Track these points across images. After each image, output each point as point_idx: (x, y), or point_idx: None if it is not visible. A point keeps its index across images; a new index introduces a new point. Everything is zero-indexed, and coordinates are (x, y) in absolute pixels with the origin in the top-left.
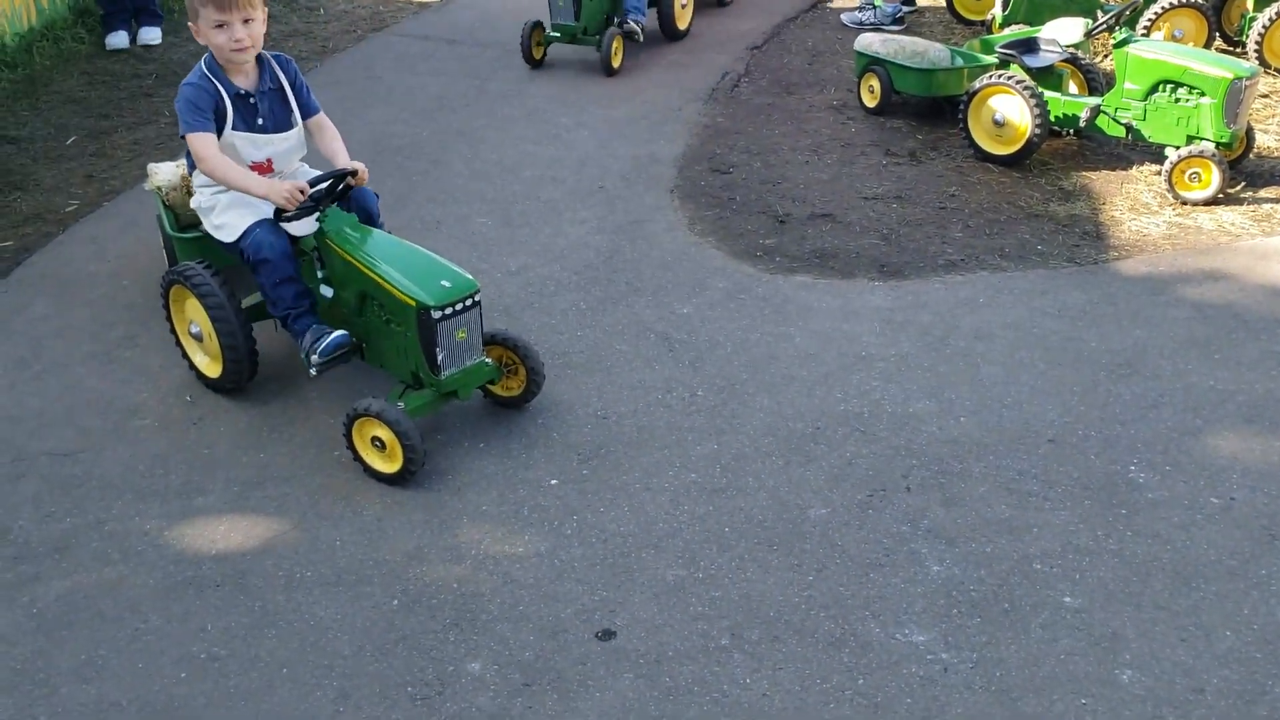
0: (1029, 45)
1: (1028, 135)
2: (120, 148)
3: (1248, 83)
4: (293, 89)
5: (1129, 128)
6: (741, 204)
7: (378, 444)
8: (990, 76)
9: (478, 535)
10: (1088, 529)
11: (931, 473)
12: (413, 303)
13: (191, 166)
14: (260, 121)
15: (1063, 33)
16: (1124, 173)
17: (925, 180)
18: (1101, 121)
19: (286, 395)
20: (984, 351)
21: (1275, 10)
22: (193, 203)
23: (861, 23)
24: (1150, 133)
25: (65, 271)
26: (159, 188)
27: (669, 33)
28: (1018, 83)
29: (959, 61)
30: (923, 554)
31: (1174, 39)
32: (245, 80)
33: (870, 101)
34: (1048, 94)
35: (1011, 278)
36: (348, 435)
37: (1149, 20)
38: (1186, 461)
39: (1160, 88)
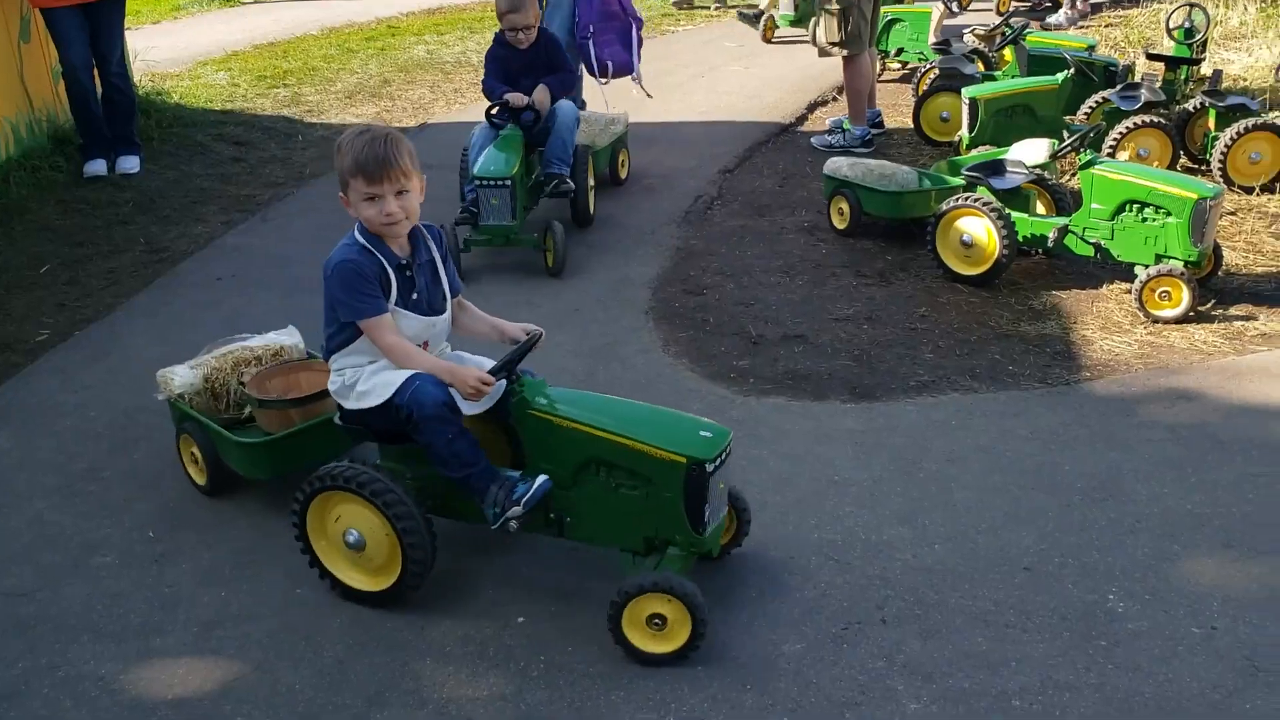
0: (995, 167)
1: (996, 256)
2: (94, 276)
3: (1212, 202)
4: (443, 263)
5: (1097, 247)
6: (715, 325)
7: (656, 623)
8: (957, 199)
9: (441, 677)
10: (1067, 662)
11: (907, 603)
12: (682, 459)
13: (329, 353)
14: (415, 298)
15: (1028, 154)
16: (1094, 291)
17: (895, 301)
18: (1070, 241)
19: (254, 530)
20: (957, 476)
21: (1237, 129)
22: (332, 387)
23: (831, 145)
24: (1119, 252)
25: (31, 402)
26: (180, 395)
27: (581, 220)
28: (985, 204)
29: (926, 184)
30: (899, 691)
31: (1138, 158)
32: (401, 250)
33: (840, 223)
34: (1015, 215)
35: (983, 399)
36: (616, 618)
37: (1114, 141)
38: (1165, 590)
39: (1127, 207)
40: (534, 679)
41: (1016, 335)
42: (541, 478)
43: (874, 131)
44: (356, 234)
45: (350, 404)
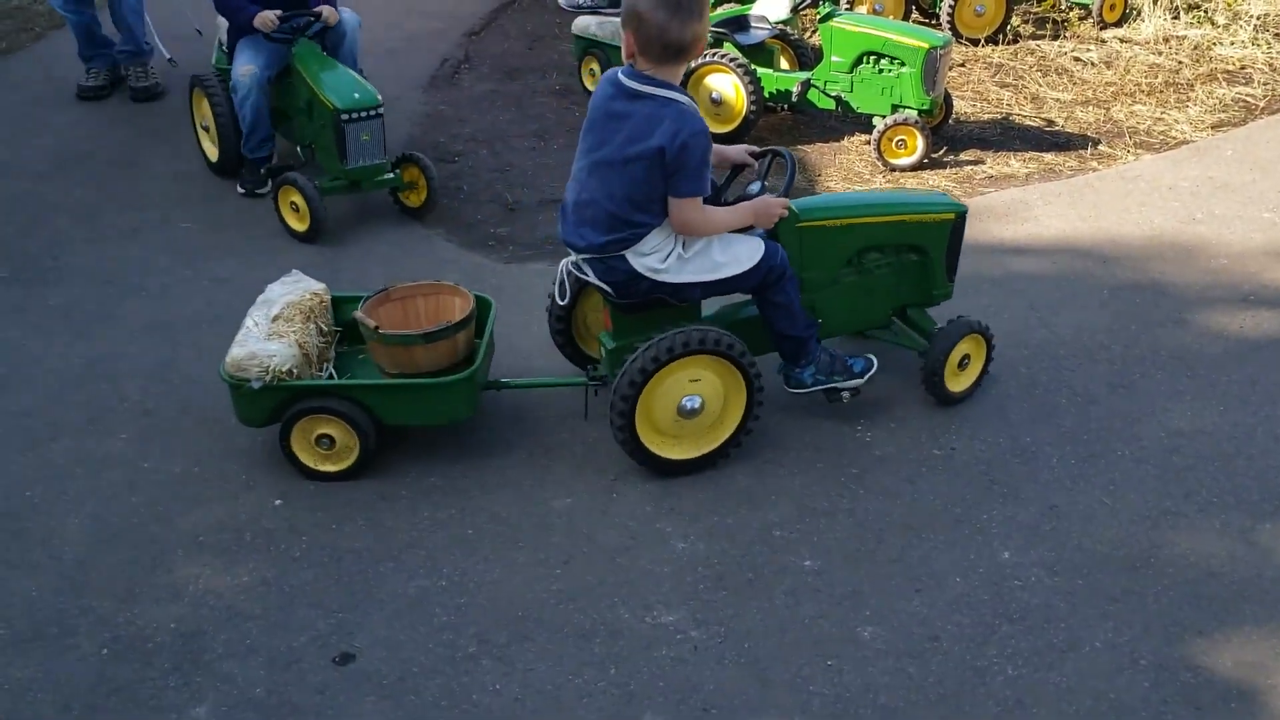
0: (740, 23)
1: (744, 112)
2: None
3: (942, 51)
4: None
5: (838, 100)
6: (470, 193)
7: (964, 362)
8: (705, 55)
9: (196, 569)
10: (822, 491)
11: None
12: (952, 215)
13: (636, 231)
14: None
15: (771, 9)
16: (837, 144)
17: None
18: (813, 95)
19: None
20: None
21: None
22: (656, 263)
23: (579, 6)
24: (858, 104)
25: None
26: (289, 371)
27: None
28: (731, 60)
29: None
30: (668, 533)
31: (875, 13)
32: None
33: (592, 85)
34: (760, 70)
35: None
36: (939, 370)
37: None
38: (909, 417)
39: (864, 59)
40: (296, 560)
41: (768, 189)
42: (871, 358)
43: None
44: (677, 95)
45: (698, 275)
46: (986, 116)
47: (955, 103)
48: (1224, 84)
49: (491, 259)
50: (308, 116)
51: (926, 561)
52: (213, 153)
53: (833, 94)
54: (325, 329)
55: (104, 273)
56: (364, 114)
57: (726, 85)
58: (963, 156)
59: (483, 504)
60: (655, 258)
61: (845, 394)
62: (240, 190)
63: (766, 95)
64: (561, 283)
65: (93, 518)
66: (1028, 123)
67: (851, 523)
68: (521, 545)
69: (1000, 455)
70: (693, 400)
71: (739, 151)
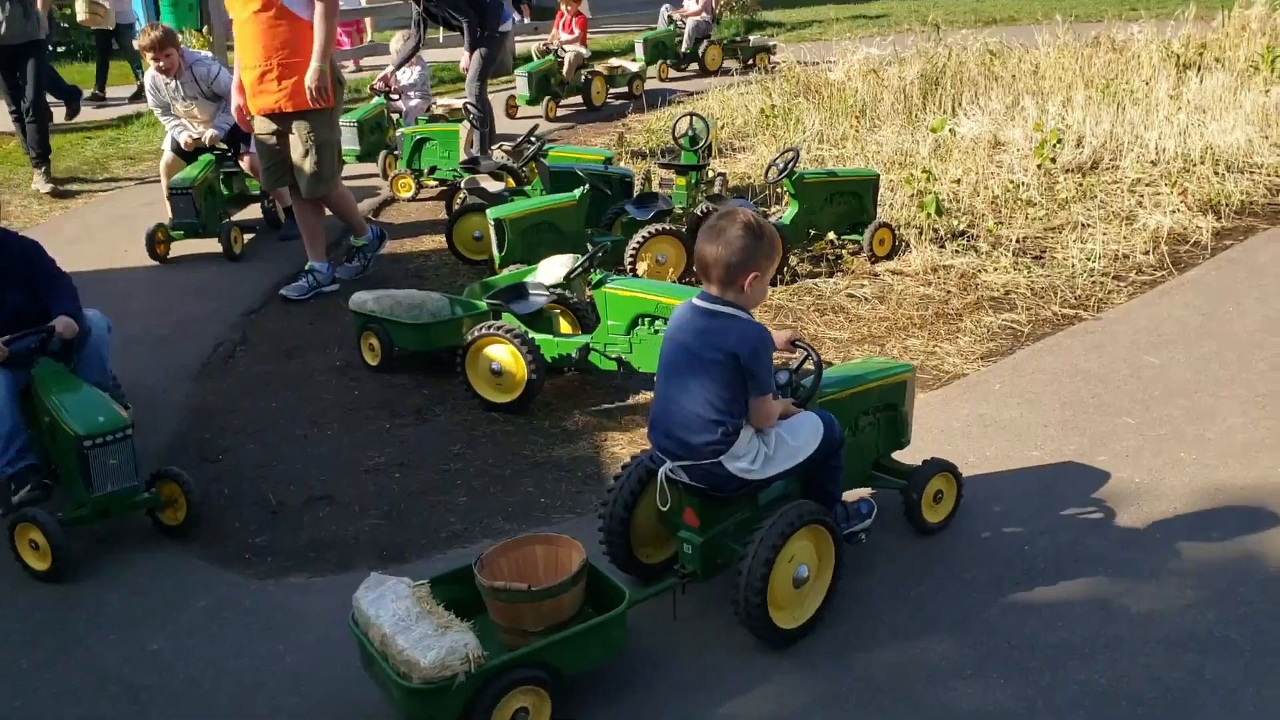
0: (518, 291)
1: (525, 379)
2: None
3: None
4: None
5: (619, 361)
6: (230, 497)
7: (938, 497)
8: (481, 328)
9: None
10: None
11: None
12: (909, 374)
13: (730, 435)
14: None
15: (548, 275)
16: (623, 403)
17: (430, 440)
18: (594, 358)
19: None
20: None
21: None
22: (747, 464)
23: (358, 276)
24: (638, 364)
25: None
26: (481, 656)
27: None
28: (508, 331)
29: (458, 311)
30: None
31: (657, 265)
32: None
33: (372, 360)
34: (539, 337)
35: None
36: (916, 504)
37: (633, 250)
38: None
39: (640, 321)
40: None
41: (550, 462)
42: (871, 501)
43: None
44: (738, 310)
45: (783, 466)
46: None
47: None
48: (990, 311)
49: (246, 575)
50: (51, 440)
51: None
52: None
53: (613, 355)
54: None
55: None
56: (110, 438)
57: (506, 355)
58: None
59: None
60: (746, 460)
61: (862, 535)
62: None
63: (550, 359)
64: (662, 489)
65: None
66: (806, 366)
67: None
68: None
69: None
70: (802, 569)
71: (781, 339)
